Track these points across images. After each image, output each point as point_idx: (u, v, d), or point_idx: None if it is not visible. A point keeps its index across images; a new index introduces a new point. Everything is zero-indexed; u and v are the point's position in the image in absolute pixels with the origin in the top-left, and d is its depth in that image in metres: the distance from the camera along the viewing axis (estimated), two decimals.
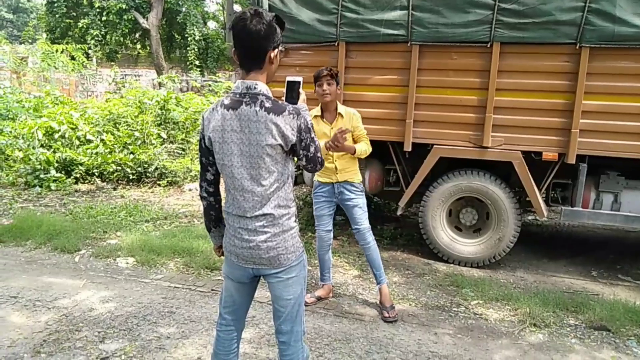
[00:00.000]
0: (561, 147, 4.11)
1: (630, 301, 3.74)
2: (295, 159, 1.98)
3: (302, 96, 2.19)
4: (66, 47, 13.82)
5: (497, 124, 4.22)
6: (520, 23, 4.01)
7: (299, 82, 2.13)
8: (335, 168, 3.42)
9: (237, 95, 1.84)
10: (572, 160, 4.07)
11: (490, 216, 4.47)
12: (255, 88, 1.83)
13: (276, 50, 1.87)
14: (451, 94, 4.33)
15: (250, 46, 1.82)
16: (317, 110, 3.46)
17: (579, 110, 3.99)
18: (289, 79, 2.11)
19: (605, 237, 5.73)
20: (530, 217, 6.16)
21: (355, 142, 3.46)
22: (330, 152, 3.34)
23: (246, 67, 1.86)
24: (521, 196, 4.62)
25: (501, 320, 3.49)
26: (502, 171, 4.44)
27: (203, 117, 1.92)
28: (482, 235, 4.53)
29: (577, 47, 3.94)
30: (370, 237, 3.50)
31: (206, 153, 1.95)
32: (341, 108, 3.43)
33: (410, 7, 4.25)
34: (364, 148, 3.39)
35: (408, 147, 4.46)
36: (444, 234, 4.57)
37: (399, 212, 4.84)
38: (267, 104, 1.81)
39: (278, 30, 1.85)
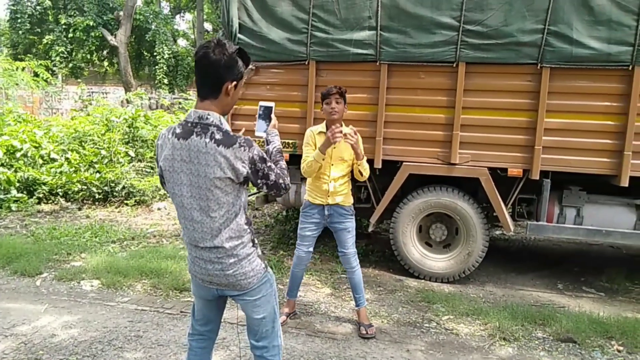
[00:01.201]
0: (525, 163, 4.24)
1: (594, 312, 3.84)
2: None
3: (274, 121, 2.19)
4: (28, 64, 13.46)
5: (464, 141, 4.32)
6: (484, 44, 4.16)
7: (271, 107, 2.13)
8: (328, 190, 3.37)
9: (189, 124, 1.82)
10: (536, 176, 4.19)
11: (460, 231, 4.54)
12: (207, 118, 1.81)
13: (234, 82, 1.84)
14: (419, 112, 4.42)
15: (208, 74, 1.82)
16: (322, 127, 3.42)
17: (541, 128, 4.13)
18: (261, 104, 2.11)
19: (569, 251, 5.89)
20: (497, 232, 6.30)
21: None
22: (327, 173, 3.33)
23: (202, 95, 1.84)
24: (489, 211, 4.72)
25: (472, 334, 3.53)
26: (470, 187, 4.53)
27: (157, 144, 1.92)
28: (452, 251, 4.59)
29: (539, 67, 4.10)
30: (355, 262, 3.49)
31: (161, 180, 1.96)
32: (345, 128, 3.38)
33: (379, 28, 4.34)
34: (367, 165, 3.41)
35: (378, 164, 4.51)
36: (414, 250, 4.61)
37: (370, 229, 4.87)
38: (218, 136, 1.78)
39: (240, 63, 1.84)
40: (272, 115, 2.16)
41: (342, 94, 3.32)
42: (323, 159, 3.28)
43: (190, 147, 1.79)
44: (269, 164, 1.89)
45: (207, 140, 1.77)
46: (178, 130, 1.83)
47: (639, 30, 3.88)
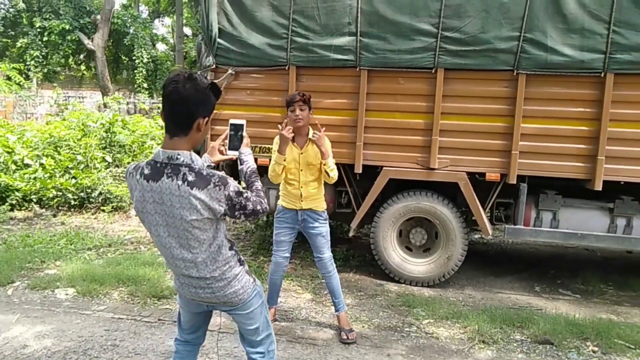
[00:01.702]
0: (503, 168, 4.30)
1: (570, 314, 3.91)
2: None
3: (246, 140, 2.11)
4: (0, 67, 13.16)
5: (443, 146, 4.37)
6: (462, 50, 4.22)
7: (242, 125, 2.04)
8: (301, 195, 3.36)
9: (158, 165, 1.74)
10: (513, 180, 4.26)
11: (439, 236, 4.58)
12: (177, 158, 1.72)
13: (206, 118, 1.77)
14: (399, 117, 4.45)
15: (178, 111, 1.72)
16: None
17: (518, 133, 4.20)
18: (232, 121, 2.03)
19: (546, 254, 6.00)
20: (476, 236, 6.37)
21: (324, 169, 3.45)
22: (297, 179, 3.33)
23: (171, 132, 1.75)
24: (467, 216, 4.77)
25: (451, 338, 3.55)
26: (449, 192, 4.57)
27: (126, 179, 1.84)
28: (432, 255, 4.62)
29: (515, 74, 4.18)
30: (332, 267, 3.48)
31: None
32: (312, 133, 3.39)
33: (359, 34, 4.37)
34: (334, 167, 3.39)
35: (358, 169, 4.53)
36: (395, 255, 4.63)
37: (351, 234, 4.87)
38: (190, 177, 1.70)
39: (212, 98, 1.77)
40: (244, 134, 2.08)
41: (305, 100, 3.32)
42: (284, 160, 3.27)
43: (162, 190, 1.72)
44: (245, 195, 1.82)
45: (180, 182, 1.70)
46: (146, 172, 1.75)
47: (610, 38, 3.99)
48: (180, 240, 1.79)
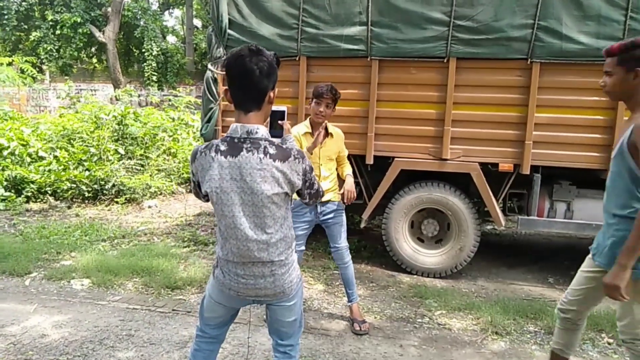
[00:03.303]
0: (516, 158, 4.26)
1: None
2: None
3: (287, 126, 2.09)
4: (13, 60, 13.26)
5: (455, 137, 4.33)
6: (475, 39, 4.16)
7: (283, 112, 2.01)
8: None
9: (236, 140, 1.74)
10: (526, 170, 4.22)
11: (451, 227, 4.55)
12: (256, 132, 1.73)
13: (275, 90, 1.81)
14: (411, 107, 4.42)
15: (252, 86, 1.72)
16: (306, 127, 3.34)
17: (531, 123, 4.15)
18: (273, 108, 2.04)
19: (559, 245, 5.94)
20: (489, 227, 6.33)
21: (339, 162, 3.50)
22: (316, 173, 3.31)
23: (244, 108, 1.75)
24: (480, 206, 4.74)
25: (464, 329, 3.54)
26: (461, 182, 4.54)
27: (193, 161, 1.80)
28: (444, 246, 4.60)
29: (529, 63, 4.12)
30: (348, 257, 3.49)
31: (200, 195, 1.88)
32: (331, 127, 3.38)
33: (370, 23, 4.33)
34: (350, 169, 3.54)
35: (370, 160, 4.51)
36: (406, 246, 4.62)
37: (362, 225, 4.87)
38: (271, 150, 1.72)
39: (277, 69, 1.78)
40: (285, 120, 2.05)
41: (335, 99, 3.25)
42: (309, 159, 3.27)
43: (241, 165, 1.71)
44: (313, 172, 1.88)
45: (262, 155, 1.71)
46: (223, 148, 1.74)
47: (627, 25, 3.91)
48: (256, 219, 1.76)
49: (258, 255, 1.79)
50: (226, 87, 1.79)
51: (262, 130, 1.76)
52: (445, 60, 4.25)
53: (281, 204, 1.79)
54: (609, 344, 3.34)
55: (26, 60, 13.57)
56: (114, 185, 7.25)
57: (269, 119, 2.05)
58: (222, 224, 1.81)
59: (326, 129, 3.36)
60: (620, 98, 2.29)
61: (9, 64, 12.73)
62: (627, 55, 2.14)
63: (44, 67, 17.67)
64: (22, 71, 13.65)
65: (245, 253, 1.80)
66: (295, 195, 1.92)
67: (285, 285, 1.88)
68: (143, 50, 18.68)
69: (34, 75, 13.50)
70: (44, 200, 7.05)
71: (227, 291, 1.89)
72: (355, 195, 3.40)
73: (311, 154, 3.23)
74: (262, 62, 1.70)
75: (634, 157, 2.06)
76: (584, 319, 2.49)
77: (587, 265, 2.39)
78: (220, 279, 1.90)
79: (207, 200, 1.86)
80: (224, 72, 1.80)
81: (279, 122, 2.01)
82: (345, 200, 3.38)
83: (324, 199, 3.37)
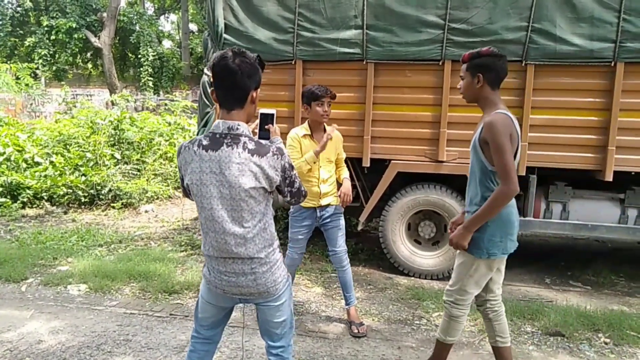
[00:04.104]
0: None
1: (581, 306, 3.89)
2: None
3: (273, 128, 2.12)
4: (10, 67, 13.24)
5: (451, 139, 4.34)
6: (469, 42, 4.18)
7: (272, 115, 2.07)
8: (320, 192, 3.36)
9: (217, 136, 1.80)
10: (522, 172, 4.23)
11: (448, 229, 4.56)
12: (237, 129, 1.80)
13: (257, 90, 1.87)
14: (407, 110, 4.44)
15: (233, 86, 1.80)
16: (305, 129, 3.36)
17: (527, 125, 4.17)
18: (261, 111, 2.07)
19: (555, 245, 5.96)
20: None
21: (337, 165, 3.51)
22: (316, 176, 3.32)
23: (227, 107, 1.83)
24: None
25: (462, 331, 3.54)
26: (457, 184, 4.55)
27: (179, 155, 1.88)
28: (441, 248, 4.61)
29: (523, 65, 4.14)
30: (346, 260, 3.50)
31: (187, 192, 1.92)
32: (329, 129, 3.39)
33: (365, 27, 4.35)
34: (347, 173, 3.56)
35: (366, 163, 4.52)
36: (404, 248, 4.63)
37: (359, 228, 4.87)
38: (250, 146, 1.78)
39: (260, 70, 1.86)
40: (274, 122, 2.11)
41: (333, 97, 3.32)
42: (315, 162, 3.28)
43: (220, 159, 1.77)
44: (294, 171, 1.90)
45: (240, 150, 1.76)
46: (205, 143, 1.80)
47: (620, 26, 3.94)
48: (233, 212, 1.80)
49: (236, 250, 1.83)
50: (212, 88, 1.86)
51: (243, 127, 1.81)
52: (440, 63, 4.27)
53: (260, 199, 1.82)
54: (606, 343, 3.35)
55: (27, 66, 13.53)
56: (110, 190, 7.24)
57: (258, 122, 2.09)
58: (202, 217, 1.86)
59: (324, 129, 3.37)
60: (471, 100, 2.57)
61: (6, 69, 12.72)
62: (472, 63, 2.47)
63: (39, 72, 17.62)
64: (18, 78, 13.63)
65: (223, 247, 1.84)
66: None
67: (269, 284, 1.89)
68: (139, 55, 18.68)
69: (29, 84, 13.46)
70: (40, 206, 7.03)
71: (214, 289, 1.94)
72: (351, 198, 3.41)
73: (318, 158, 3.26)
74: (244, 63, 1.78)
75: (484, 152, 2.38)
76: (494, 303, 2.67)
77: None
78: (207, 276, 1.95)
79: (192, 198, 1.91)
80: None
81: (266, 126, 2.04)
82: (341, 204, 3.39)
83: (323, 202, 3.38)
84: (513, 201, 2.45)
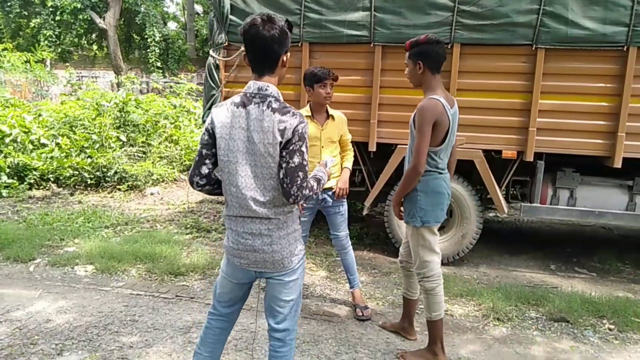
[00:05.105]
0: (520, 145, 4.24)
1: (586, 292, 3.89)
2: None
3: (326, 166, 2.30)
4: (14, 50, 13.20)
5: (458, 123, 4.28)
6: (479, 25, 4.12)
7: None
8: None
9: (248, 95, 1.88)
10: (530, 157, 4.20)
11: (454, 214, 4.55)
12: (266, 89, 1.87)
13: (288, 53, 1.92)
14: (413, 94, 4.35)
15: (264, 51, 1.86)
16: (306, 111, 3.35)
17: (536, 110, 4.12)
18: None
19: (562, 232, 5.95)
20: (491, 214, 6.33)
21: (342, 146, 3.46)
22: (318, 158, 3.26)
23: (259, 71, 1.90)
24: (482, 194, 4.73)
25: (466, 315, 3.56)
26: (464, 169, 4.52)
27: (212, 111, 1.95)
28: (446, 233, 4.60)
29: (534, 48, 4.07)
30: (348, 244, 3.51)
31: (209, 145, 1.94)
32: (332, 110, 3.37)
33: (373, 9, 4.29)
34: (352, 159, 3.51)
35: (373, 147, 4.50)
36: None
37: (364, 212, 4.87)
38: (275, 105, 1.84)
39: (289, 34, 1.90)
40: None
41: (336, 79, 3.29)
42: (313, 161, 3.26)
43: (248, 115, 1.85)
44: (303, 147, 1.84)
45: (265, 108, 1.83)
46: (237, 100, 1.89)
47: (634, 10, 3.86)
48: (256, 168, 1.86)
49: (254, 207, 1.87)
50: (245, 53, 1.93)
51: (272, 88, 1.88)
52: (449, 46, 4.20)
53: (277, 158, 1.85)
54: (610, 330, 3.35)
55: (42, 51, 13.45)
56: (116, 173, 7.26)
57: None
58: (225, 173, 1.91)
59: (327, 111, 3.35)
60: (416, 85, 2.77)
61: (12, 50, 12.67)
62: (413, 51, 2.67)
63: (45, 54, 17.56)
64: (27, 61, 13.61)
65: (243, 203, 1.88)
66: None
67: (285, 253, 1.92)
68: (145, 36, 18.54)
69: (34, 69, 13.44)
70: (47, 187, 7.07)
71: (232, 259, 1.99)
72: (347, 192, 3.37)
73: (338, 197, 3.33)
74: (273, 29, 1.82)
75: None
76: (411, 264, 2.94)
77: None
78: (225, 244, 2.01)
79: (208, 155, 1.93)
80: (243, 43, 1.92)
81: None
82: (336, 197, 3.35)
83: (326, 185, 3.36)
84: (445, 174, 2.76)
